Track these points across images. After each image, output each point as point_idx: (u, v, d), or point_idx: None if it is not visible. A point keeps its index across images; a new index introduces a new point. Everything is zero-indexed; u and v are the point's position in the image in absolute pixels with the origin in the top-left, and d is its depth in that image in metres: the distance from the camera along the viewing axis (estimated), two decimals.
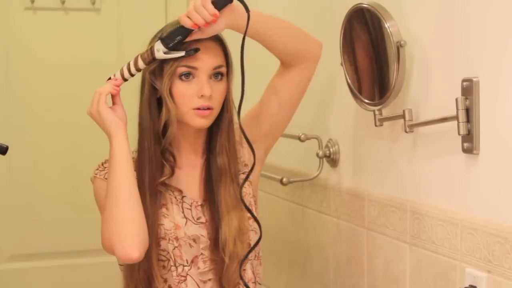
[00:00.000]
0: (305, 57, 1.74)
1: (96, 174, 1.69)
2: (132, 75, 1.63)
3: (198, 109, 1.63)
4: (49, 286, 3.25)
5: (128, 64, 1.62)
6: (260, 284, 1.77)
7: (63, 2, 3.20)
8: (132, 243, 1.54)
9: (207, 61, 1.63)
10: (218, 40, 1.66)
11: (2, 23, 3.14)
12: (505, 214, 1.38)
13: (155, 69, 1.63)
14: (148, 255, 1.61)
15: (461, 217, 1.50)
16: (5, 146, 1.72)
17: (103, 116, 1.60)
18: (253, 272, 1.72)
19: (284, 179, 2.14)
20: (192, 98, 1.62)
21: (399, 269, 1.73)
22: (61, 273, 3.26)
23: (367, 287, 1.88)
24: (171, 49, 1.59)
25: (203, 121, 1.65)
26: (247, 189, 1.73)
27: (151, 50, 1.60)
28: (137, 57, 1.62)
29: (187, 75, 1.62)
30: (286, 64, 1.75)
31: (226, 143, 1.70)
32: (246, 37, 1.61)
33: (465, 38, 1.49)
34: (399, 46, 1.60)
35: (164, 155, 1.68)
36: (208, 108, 1.63)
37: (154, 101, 1.66)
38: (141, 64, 1.61)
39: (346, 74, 1.81)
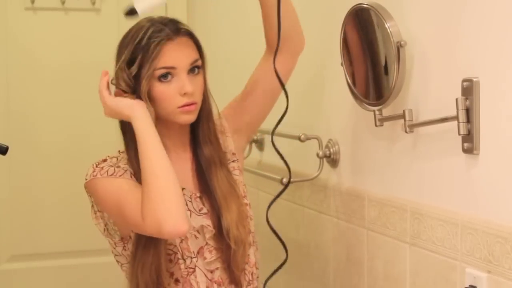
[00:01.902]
0: (290, 45, 1.76)
1: (95, 175, 1.64)
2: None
3: (183, 106, 1.63)
4: (49, 286, 3.26)
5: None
6: (257, 268, 1.78)
7: (63, 2, 3.20)
8: (180, 216, 1.53)
9: (183, 58, 1.63)
10: (188, 34, 1.66)
11: (2, 23, 3.14)
12: (505, 214, 1.38)
13: (129, 74, 1.63)
14: (157, 250, 1.62)
15: (461, 217, 1.50)
16: (5, 146, 1.72)
17: (114, 107, 1.61)
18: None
19: (284, 179, 2.14)
20: (175, 97, 1.63)
21: (399, 269, 1.73)
22: (61, 273, 3.26)
23: (367, 287, 1.88)
24: None
25: (189, 117, 1.66)
26: (239, 177, 1.76)
27: None
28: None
29: (166, 75, 1.62)
30: (271, 48, 1.76)
31: (208, 133, 1.72)
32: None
33: (465, 38, 1.49)
34: (399, 46, 1.60)
35: None
36: (192, 103, 1.64)
37: None
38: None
39: (346, 74, 1.81)
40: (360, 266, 1.91)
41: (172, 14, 3.19)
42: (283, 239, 1.80)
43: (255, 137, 2.48)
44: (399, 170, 1.74)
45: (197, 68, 1.66)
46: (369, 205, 1.86)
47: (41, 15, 3.21)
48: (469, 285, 1.46)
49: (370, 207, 1.85)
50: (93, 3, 3.24)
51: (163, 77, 1.62)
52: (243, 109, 1.79)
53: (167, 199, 1.53)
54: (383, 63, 1.67)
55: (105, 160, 1.67)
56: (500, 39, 1.39)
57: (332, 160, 2.05)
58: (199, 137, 1.72)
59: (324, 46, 2.01)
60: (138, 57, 1.61)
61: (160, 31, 1.62)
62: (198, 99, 1.66)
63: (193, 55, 1.65)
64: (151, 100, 1.63)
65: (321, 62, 2.04)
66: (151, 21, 1.65)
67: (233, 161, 1.78)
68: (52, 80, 3.22)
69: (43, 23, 3.21)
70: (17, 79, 3.17)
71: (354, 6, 1.72)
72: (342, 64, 1.82)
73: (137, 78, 1.62)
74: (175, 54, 1.61)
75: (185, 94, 1.62)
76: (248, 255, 1.72)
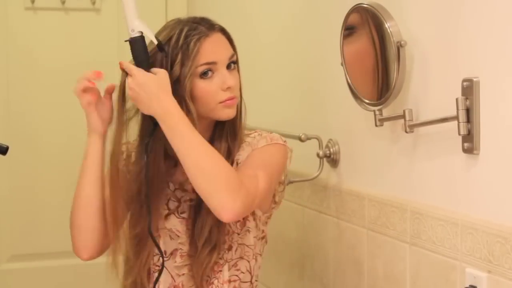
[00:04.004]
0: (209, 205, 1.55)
1: None
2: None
3: (225, 101, 1.63)
4: (49, 286, 3.25)
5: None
6: (256, 281, 1.77)
7: (63, 2, 3.20)
8: (81, 247, 1.70)
9: (222, 53, 1.63)
10: (221, 30, 1.66)
11: (2, 23, 3.14)
12: (505, 214, 1.38)
13: (176, 75, 1.60)
14: (143, 251, 1.67)
15: (461, 217, 1.50)
16: (5, 146, 1.72)
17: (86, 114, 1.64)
18: (248, 271, 1.72)
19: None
20: (217, 92, 1.62)
21: (399, 269, 1.73)
22: (61, 273, 3.25)
23: (367, 287, 1.88)
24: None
25: (231, 111, 1.65)
26: None
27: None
28: None
29: (206, 72, 1.61)
30: None
31: (228, 129, 1.69)
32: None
33: (465, 38, 1.49)
34: (399, 46, 1.60)
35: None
36: (234, 98, 1.64)
37: None
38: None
39: (346, 74, 1.81)
40: (360, 266, 1.91)
41: (173, 14, 3.20)
42: (283, 238, 1.80)
43: None
44: (399, 170, 1.74)
45: (233, 63, 1.66)
46: (369, 205, 1.86)
47: (41, 15, 3.20)
48: (469, 285, 1.45)
49: (370, 207, 1.85)
50: (93, 3, 3.24)
51: (204, 74, 1.61)
52: None
53: (76, 229, 1.74)
54: (383, 63, 1.67)
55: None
56: (500, 39, 1.39)
57: (332, 160, 2.05)
58: (216, 132, 1.70)
59: (324, 46, 2.01)
60: (178, 57, 1.60)
61: (195, 29, 1.62)
62: (238, 93, 1.66)
63: (229, 50, 1.66)
64: (192, 99, 1.61)
65: (321, 62, 2.04)
66: (182, 22, 1.65)
67: None
68: (52, 80, 3.21)
69: (43, 23, 3.20)
70: (17, 79, 3.17)
71: (354, 6, 1.72)
72: (342, 64, 1.82)
73: (177, 80, 1.60)
74: (214, 49, 1.62)
75: (227, 88, 1.62)
76: (221, 271, 1.68)
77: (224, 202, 1.49)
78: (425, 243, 1.62)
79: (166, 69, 1.58)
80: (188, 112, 1.59)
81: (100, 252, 1.70)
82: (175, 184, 1.70)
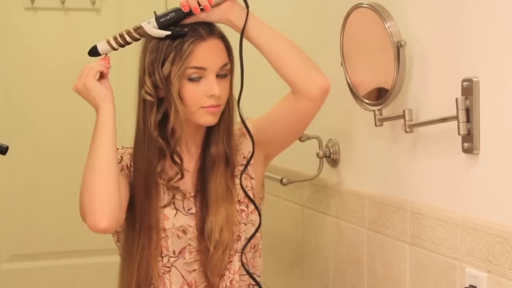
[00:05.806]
0: (298, 91, 1.67)
1: None
2: (122, 45, 1.69)
3: (208, 107, 1.64)
4: (49, 286, 3.26)
5: (121, 35, 1.68)
6: (259, 276, 1.77)
7: (63, 2, 3.20)
8: (101, 213, 1.56)
9: (214, 60, 1.64)
10: (221, 37, 1.67)
11: (2, 23, 3.14)
12: (505, 214, 1.38)
13: (160, 73, 1.63)
14: (149, 244, 1.65)
15: (461, 217, 1.50)
16: (5, 146, 1.72)
17: (90, 88, 1.62)
18: (246, 264, 1.72)
19: (284, 179, 2.14)
20: (202, 98, 1.63)
21: (399, 269, 1.73)
22: (61, 273, 3.26)
23: (367, 287, 1.88)
24: (161, 25, 1.63)
25: (212, 119, 1.66)
26: (243, 182, 1.73)
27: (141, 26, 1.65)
28: (129, 30, 1.67)
29: (195, 76, 1.63)
30: (293, 91, 1.70)
31: (223, 135, 1.71)
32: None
33: (465, 38, 1.49)
34: (399, 46, 1.60)
35: (172, 158, 1.69)
36: (217, 106, 1.65)
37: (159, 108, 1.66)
38: (131, 37, 1.66)
39: (346, 74, 1.81)
40: (360, 266, 1.91)
41: None
42: (283, 238, 1.80)
43: None
44: (399, 170, 1.74)
45: (226, 72, 1.67)
46: (369, 205, 1.86)
47: (41, 15, 3.21)
48: (469, 285, 1.46)
49: (370, 207, 1.85)
50: (93, 3, 3.24)
51: (192, 77, 1.63)
52: (260, 130, 1.74)
53: (94, 195, 1.56)
54: (383, 63, 1.67)
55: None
56: (500, 39, 1.39)
57: (332, 160, 2.05)
58: (212, 137, 1.71)
59: (324, 46, 2.01)
60: (170, 55, 1.61)
61: (193, 30, 1.63)
62: (223, 102, 1.67)
63: (223, 58, 1.66)
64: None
65: (321, 62, 2.04)
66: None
67: (241, 165, 1.74)
68: (52, 80, 3.22)
69: (43, 23, 3.21)
70: (17, 79, 3.17)
71: (354, 6, 1.72)
72: (342, 64, 1.82)
73: (167, 78, 1.62)
74: (207, 55, 1.62)
75: (212, 96, 1.63)
76: (231, 261, 1.69)
77: (319, 76, 1.67)
78: (425, 243, 1.62)
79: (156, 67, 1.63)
80: (176, 111, 1.62)
81: (116, 224, 1.61)
82: (172, 181, 1.70)
